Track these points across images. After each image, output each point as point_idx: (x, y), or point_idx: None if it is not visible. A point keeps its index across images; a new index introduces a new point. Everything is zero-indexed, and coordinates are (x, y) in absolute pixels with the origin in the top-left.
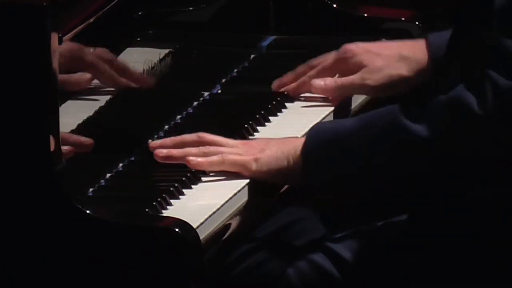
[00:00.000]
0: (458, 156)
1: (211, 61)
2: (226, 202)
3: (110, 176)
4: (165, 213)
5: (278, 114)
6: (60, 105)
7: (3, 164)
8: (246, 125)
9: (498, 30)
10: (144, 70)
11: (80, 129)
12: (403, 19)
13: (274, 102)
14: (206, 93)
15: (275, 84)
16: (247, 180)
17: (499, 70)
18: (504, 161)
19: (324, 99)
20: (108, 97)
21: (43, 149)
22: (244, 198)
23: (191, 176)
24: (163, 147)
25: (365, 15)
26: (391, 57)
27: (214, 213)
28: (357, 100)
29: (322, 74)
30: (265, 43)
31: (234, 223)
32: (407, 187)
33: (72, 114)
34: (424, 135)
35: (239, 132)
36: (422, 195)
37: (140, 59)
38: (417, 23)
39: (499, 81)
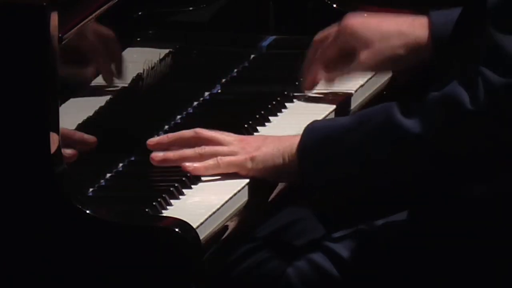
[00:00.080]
0: (452, 154)
1: (211, 61)
2: (226, 202)
3: (110, 176)
4: (165, 213)
5: (278, 114)
6: (60, 105)
7: (3, 164)
8: (246, 125)
9: (491, 27)
10: (144, 70)
11: (80, 129)
12: None
13: (274, 102)
14: (206, 93)
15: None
16: (247, 180)
17: (492, 66)
18: (501, 159)
19: (324, 99)
20: (108, 97)
21: (43, 149)
22: (244, 198)
23: (191, 176)
24: (161, 144)
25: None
26: (389, 33)
27: (214, 213)
28: (357, 100)
29: (328, 60)
30: (265, 43)
31: (234, 223)
32: (403, 185)
33: (72, 114)
34: (417, 132)
35: (239, 132)
36: (420, 194)
37: (140, 59)
38: None
39: (491, 77)
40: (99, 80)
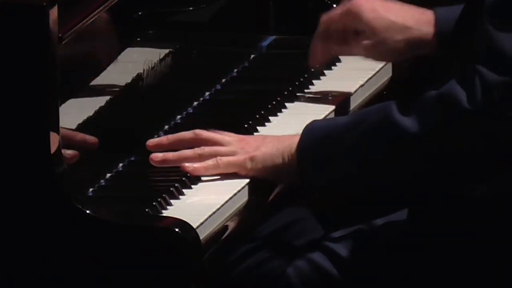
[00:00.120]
0: (449, 152)
1: (211, 61)
2: (226, 202)
3: (110, 176)
4: (165, 213)
5: (278, 114)
6: (60, 105)
7: (3, 164)
8: (246, 125)
9: (487, 24)
10: (144, 70)
11: (80, 129)
12: None
13: (274, 102)
14: (206, 93)
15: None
16: (247, 180)
17: (488, 65)
18: (499, 158)
19: (324, 99)
20: (108, 97)
21: (43, 149)
22: (244, 198)
23: (191, 176)
24: (160, 145)
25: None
26: (395, 25)
27: (214, 213)
28: (357, 100)
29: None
30: (265, 43)
31: (234, 223)
32: (402, 184)
33: (72, 114)
34: (414, 131)
35: (239, 132)
36: (419, 193)
37: (140, 59)
38: None
39: (488, 76)
40: (99, 80)
